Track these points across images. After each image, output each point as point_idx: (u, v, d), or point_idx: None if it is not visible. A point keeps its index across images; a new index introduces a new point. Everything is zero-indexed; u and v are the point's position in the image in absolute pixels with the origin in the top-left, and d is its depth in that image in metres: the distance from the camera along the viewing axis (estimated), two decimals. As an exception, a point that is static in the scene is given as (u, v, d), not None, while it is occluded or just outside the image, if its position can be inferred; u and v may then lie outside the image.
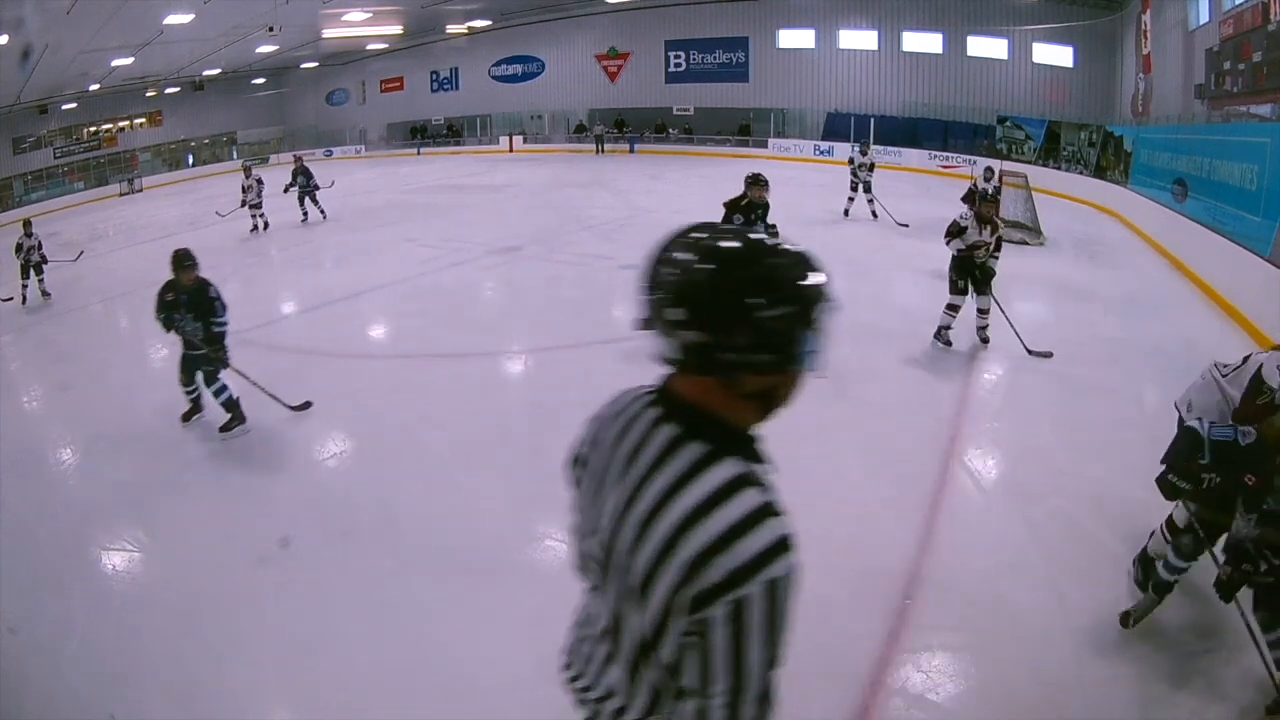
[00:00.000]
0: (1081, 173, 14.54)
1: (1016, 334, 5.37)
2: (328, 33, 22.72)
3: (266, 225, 12.28)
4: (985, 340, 5.65)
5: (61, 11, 14.69)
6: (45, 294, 8.88)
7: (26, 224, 9.26)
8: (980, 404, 4.69)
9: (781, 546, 0.90)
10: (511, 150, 26.69)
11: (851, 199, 11.36)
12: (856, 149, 11.72)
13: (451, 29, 25.59)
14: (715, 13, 23.07)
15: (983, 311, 5.63)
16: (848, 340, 5.77)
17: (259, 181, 12.16)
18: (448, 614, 2.87)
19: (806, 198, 12.59)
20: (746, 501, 0.91)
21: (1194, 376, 2.64)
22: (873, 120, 19.98)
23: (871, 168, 11.25)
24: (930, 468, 3.78)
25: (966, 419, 4.40)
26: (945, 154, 17.80)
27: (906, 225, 10.51)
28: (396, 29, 23.86)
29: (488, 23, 24.93)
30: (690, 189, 15.18)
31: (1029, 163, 15.14)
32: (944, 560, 3.05)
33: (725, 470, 0.92)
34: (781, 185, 14.57)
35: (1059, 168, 15.15)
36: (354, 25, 22.23)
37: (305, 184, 12.75)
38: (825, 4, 20.77)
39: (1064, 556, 3.06)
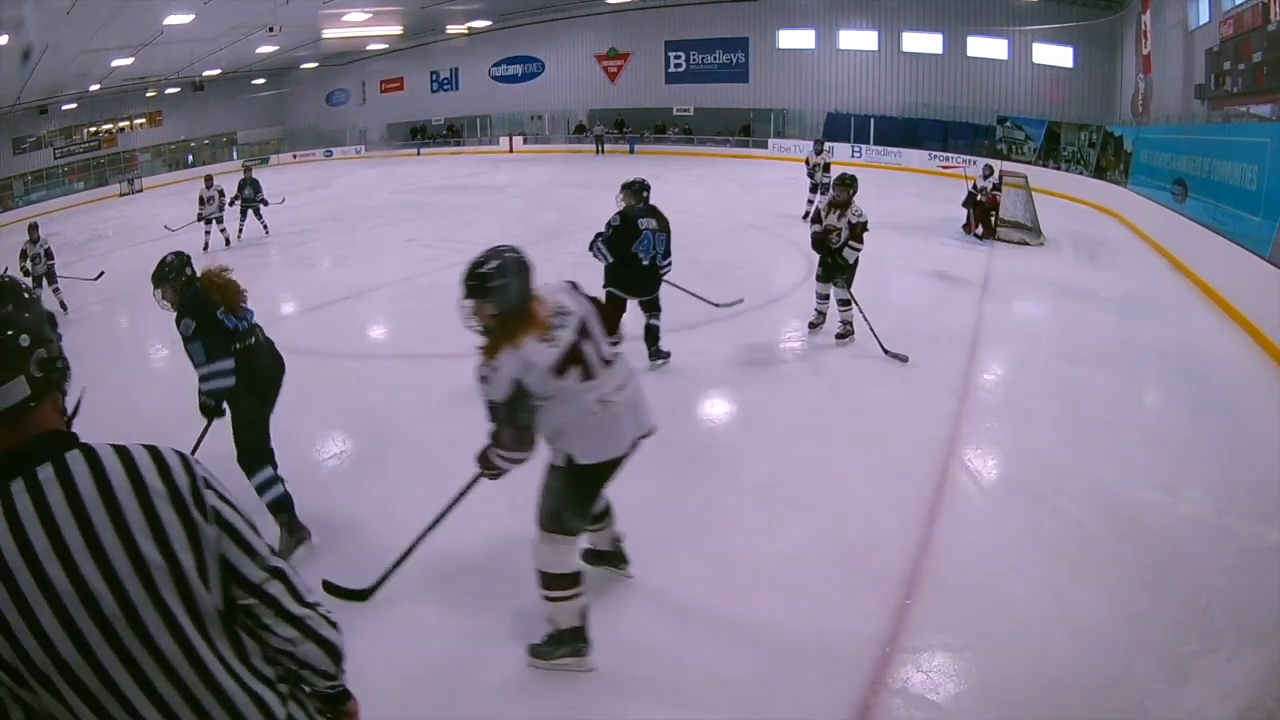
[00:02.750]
0: (1081, 173, 14.55)
1: (874, 335, 5.26)
2: (328, 33, 22.73)
3: (228, 241, 11.27)
4: (842, 335, 5.58)
5: (61, 11, 14.70)
6: (63, 306, 8.14)
7: (32, 229, 8.41)
8: (979, 404, 4.69)
9: None
10: (511, 150, 26.71)
11: (811, 200, 10.75)
12: (811, 148, 11.12)
13: (451, 29, 25.60)
14: (715, 13, 23.08)
15: (842, 303, 5.57)
16: (847, 340, 5.78)
17: (220, 193, 11.19)
18: (447, 613, 2.87)
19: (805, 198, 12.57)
20: None
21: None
22: (873, 120, 20.00)
23: (826, 168, 10.65)
24: (930, 468, 3.77)
25: (966, 419, 4.40)
26: (945, 154, 17.81)
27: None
28: (396, 29, 23.87)
29: (488, 23, 24.94)
30: (690, 189, 15.18)
31: (1029, 163, 15.14)
32: (944, 560, 3.04)
33: None
34: (780, 186, 14.61)
35: (1059, 168, 15.16)
36: (354, 25, 22.24)
37: (252, 196, 11.69)
38: (825, 4, 20.78)
39: (1064, 556, 3.06)
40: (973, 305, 6.75)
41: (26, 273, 8.14)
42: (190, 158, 29.53)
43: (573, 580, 2.39)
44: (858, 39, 20.62)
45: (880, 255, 9.16)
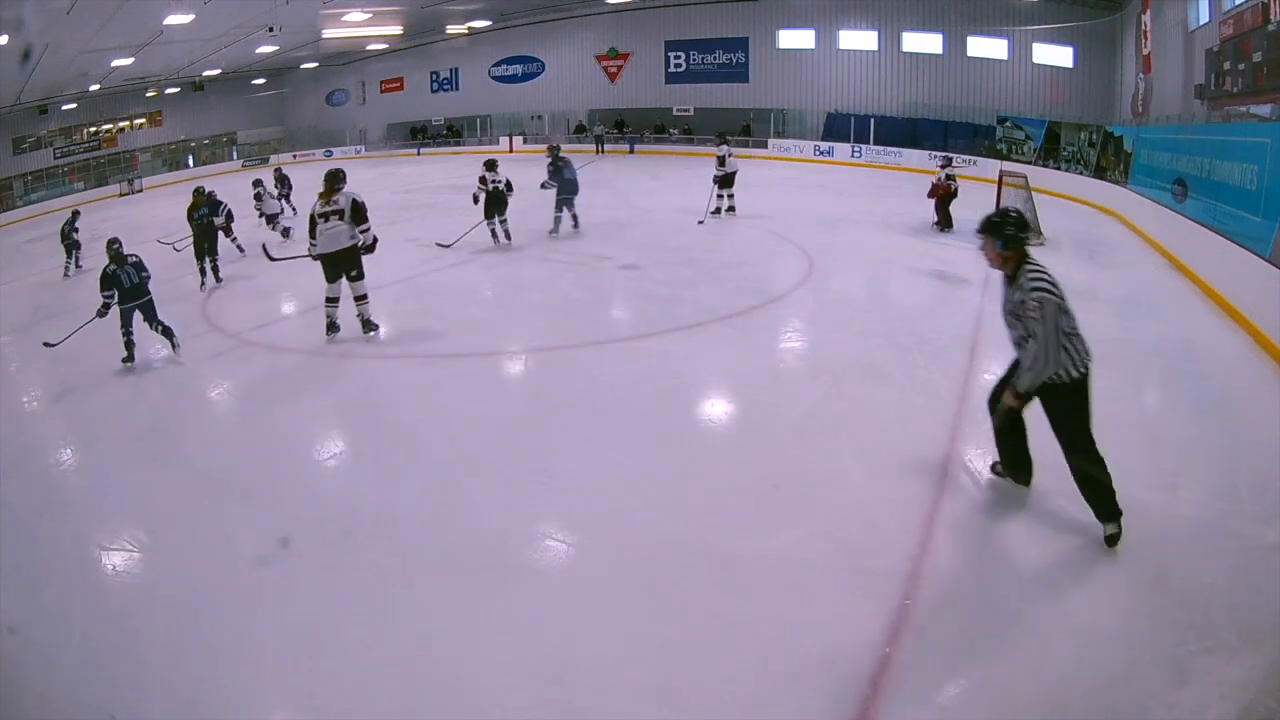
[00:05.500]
0: (1081, 173, 14.54)
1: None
2: (328, 33, 22.75)
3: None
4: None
5: (61, 11, 14.71)
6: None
7: (199, 192, 9.45)
8: (980, 404, 4.67)
9: None
10: (511, 150, 26.70)
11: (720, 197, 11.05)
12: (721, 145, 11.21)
13: (451, 29, 25.62)
14: (715, 13, 23.10)
15: (330, 300, 6.25)
16: (848, 339, 5.79)
17: (278, 189, 13.04)
18: (448, 614, 2.87)
19: (807, 199, 12.58)
20: None
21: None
22: (873, 120, 20.00)
23: (722, 161, 10.88)
24: (930, 468, 3.78)
25: (966, 419, 4.40)
26: (945, 155, 17.81)
27: (702, 222, 10.58)
28: (396, 29, 23.88)
29: (488, 23, 24.95)
30: (690, 189, 15.14)
31: (1029, 163, 15.15)
32: (944, 560, 3.04)
33: None
34: (780, 186, 14.58)
35: (1059, 168, 15.16)
36: (354, 25, 22.26)
37: (284, 191, 13.65)
38: (825, 4, 20.80)
39: (1064, 556, 3.06)
40: (973, 305, 6.75)
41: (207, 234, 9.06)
42: (190, 158, 29.55)
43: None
44: (858, 39, 20.62)
45: (880, 255, 9.21)
